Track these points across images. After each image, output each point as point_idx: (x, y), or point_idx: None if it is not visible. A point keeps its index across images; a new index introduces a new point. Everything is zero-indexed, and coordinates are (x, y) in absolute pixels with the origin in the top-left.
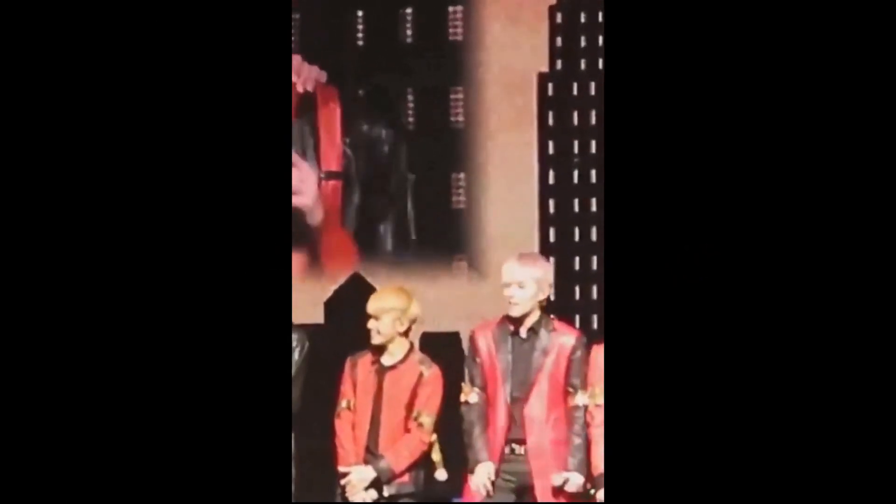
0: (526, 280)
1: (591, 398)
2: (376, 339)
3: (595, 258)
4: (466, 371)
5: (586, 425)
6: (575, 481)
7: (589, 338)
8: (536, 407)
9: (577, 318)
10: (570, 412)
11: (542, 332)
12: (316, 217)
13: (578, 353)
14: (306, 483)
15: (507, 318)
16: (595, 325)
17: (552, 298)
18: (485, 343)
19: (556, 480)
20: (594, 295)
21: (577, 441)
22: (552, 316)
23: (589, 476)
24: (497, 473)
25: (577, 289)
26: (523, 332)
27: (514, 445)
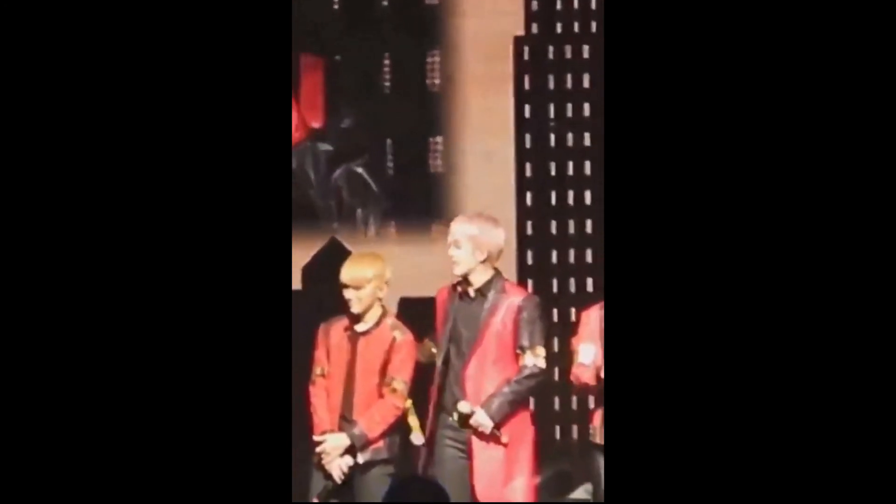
0: (460, 239)
1: (537, 357)
2: (356, 308)
3: (572, 221)
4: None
5: (570, 383)
6: (480, 419)
7: (568, 301)
8: (478, 367)
9: (555, 281)
10: (519, 372)
11: (491, 293)
12: None
13: (526, 314)
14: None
15: (461, 279)
16: (572, 289)
17: (489, 256)
18: (441, 304)
19: (462, 407)
20: (571, 258)
21: (506, 389)
22: (505, 278)
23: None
24: (430, 436)
25: (554, 253)
26: (471, 293)
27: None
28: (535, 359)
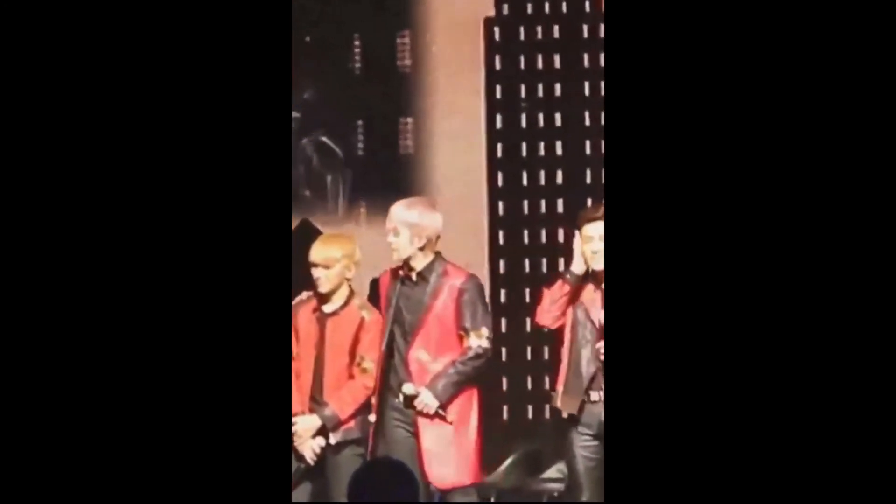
0: (399, 226)
1: (481, 338)
2: (324, 287)
3: (543, 202)
4: None
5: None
6: (425, 399)
7: (540, 281)
8: (423, 350)
9: (526, 262)
10: (463, 353)
11: (433, 277)
12: None
13: (467, 296)
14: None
15: (402, 264)
16: (544, 269)
17: (428, 241)
18: (383, 289)
19: (406, 388)
20: (542, 238)
21: (451, 371)
22: (447, 261)
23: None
24: (377, 418)
25: (526, 232)
26: (413, 277)
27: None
28: (479, 340)
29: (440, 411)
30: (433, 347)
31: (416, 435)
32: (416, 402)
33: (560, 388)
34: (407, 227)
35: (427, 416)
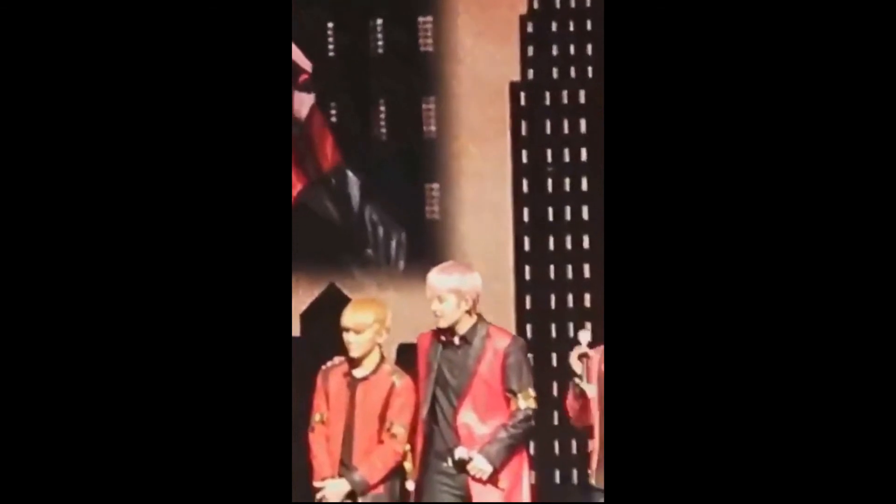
0: (443, 293)
1: (528, 400)
2: (355, 352)
3: (570, 267)
4: None
5: (567, 417)
6: (479, 465)
7: (567, 346)
8: (470, 414)
9: (553, 326)
10: (513, 416)
11: (476, 340)
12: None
13: (513, 358)
14: None
15: (442, 328)
16: (571, 334)
17: (472, 303)
18: (422, 353)
19: (459, 453)
20: (570, 302)
21: (502, 435)
22: (489, 322)
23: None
24: (419, 484)
25: (553, 297)
26: (456, 340)
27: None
28: (526, 402)
29: (494, 476)
30: (481, 411)
31: (467, 500)
32: (470, 468)
33: (595, 465)
34: (452, 292)
35: (480, 481)
